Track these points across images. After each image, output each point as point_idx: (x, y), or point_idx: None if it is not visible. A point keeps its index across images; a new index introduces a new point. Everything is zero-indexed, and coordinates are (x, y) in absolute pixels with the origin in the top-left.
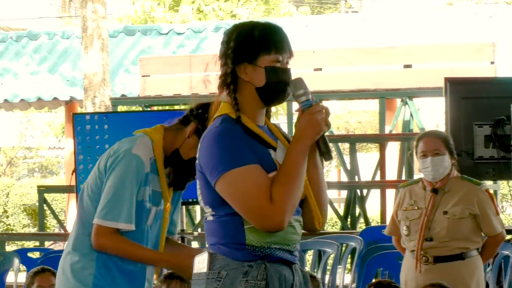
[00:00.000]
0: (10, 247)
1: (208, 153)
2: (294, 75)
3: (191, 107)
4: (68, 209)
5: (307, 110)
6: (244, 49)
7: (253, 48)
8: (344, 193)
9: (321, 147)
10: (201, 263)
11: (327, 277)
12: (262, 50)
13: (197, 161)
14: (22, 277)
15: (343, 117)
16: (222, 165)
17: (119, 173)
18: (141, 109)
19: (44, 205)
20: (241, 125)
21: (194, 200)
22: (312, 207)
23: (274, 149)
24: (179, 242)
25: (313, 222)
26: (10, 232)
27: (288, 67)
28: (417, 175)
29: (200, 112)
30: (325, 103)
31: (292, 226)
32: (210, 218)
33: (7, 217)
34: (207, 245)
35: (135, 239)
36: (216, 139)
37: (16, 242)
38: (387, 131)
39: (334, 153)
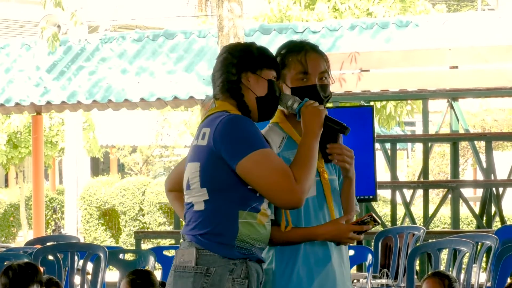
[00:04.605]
0: (146, 245)
1: (231, 135)
2: (429, 73)
3: None
4: None
5: (302, 108)
6: (250, 59)
7: (257, 60)
8: (479, 192)
9: (334, 126)
10: (186, 256)
11: (462, 276)
12: (266, 64)
13: (203, 143)
14: (157, 275)
15: (479, 115)
16: (247, 145)
17: None
18: None
19: None
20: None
21: None
22: (283, 211)
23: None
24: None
25: (281, 225)
26: (146, 230)
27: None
28: None
29: None
30: (461, 101)
31: (270, 226)
32: (201, 206)
33: (143, 215)
34: (186, 235)
35: (293, 212)
36: (240, 122)
37: (152, 240)
38: None
39: (468, 151)
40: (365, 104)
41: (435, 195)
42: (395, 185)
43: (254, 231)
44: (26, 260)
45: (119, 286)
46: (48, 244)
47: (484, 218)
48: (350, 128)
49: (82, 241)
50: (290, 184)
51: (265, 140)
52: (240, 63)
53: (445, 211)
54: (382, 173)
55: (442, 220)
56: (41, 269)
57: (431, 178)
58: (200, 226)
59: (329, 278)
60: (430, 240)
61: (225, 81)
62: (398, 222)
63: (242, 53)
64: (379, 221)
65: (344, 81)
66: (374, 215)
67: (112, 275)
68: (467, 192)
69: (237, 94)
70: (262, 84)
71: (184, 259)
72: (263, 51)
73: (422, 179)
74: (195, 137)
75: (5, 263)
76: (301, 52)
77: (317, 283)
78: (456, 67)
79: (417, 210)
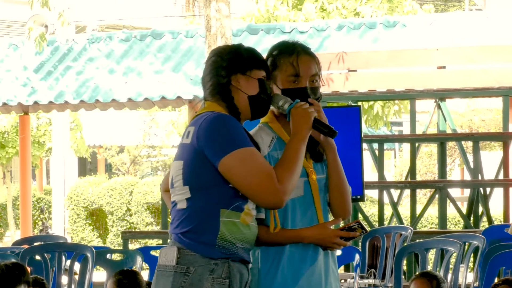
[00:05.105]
0: (133, 245)
1: (215, 133)
2: (417, 74)
3: None
4: None
5: (292, 109)
6: (239, 61)
7: (246, 61)
8: (467, 192)
9: (322, 130)
10: (168, 256)
11: (449, 276)
12: (255, 65)
13: (187, 141)
14: (145, 275)
15: (467, 115)
16: (231, 143)
17: None
18: None
19: None
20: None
21: None
22: (271, 212)
23: (259, 149)
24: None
25: (270, 226)
26: (133, 230)
27: None
28: None
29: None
30: (448, 101)
31: (255, 226)
32: (183, 204)
33: (131, 215)
34: (171, 234)
35: (280, 212)
36: (223, 121)
37: (139, 240)
38: (510, 129)
39: (456, 151)
40: (353, 104)
41: (422, 195)
42: (383, 185)
43: (237, 230)
44: (13, 260)
45: (106, 286)
46: (35, 244)
47: (472, 218)
48: (338, 132)
49: (69, 241)
50: (272, 184)
51: (251, 140)
52: (229, 65)
53: (433, 211)
54: (370, 173)
55: (430, 220)
56: (28, 269)
57: (418, 178)
58: (183, 224)
59: (315, 278)
60: (417, 240)
61: (215, 84)
62: (386, 222)
63: (231, 55)
64: (367, 229)
65: (331, 81)
66: (361, 222)
67: (100, 275)
68: (454, 192)
69: (227, 97)
70: (253, 84)
71: (167, 258)
72: (251, 52)
73: (409, 179)
74: (182, 136)
75: None
76: (293, 54)
77: (302, 282)
78: (444, 67)
79: (404, 210)
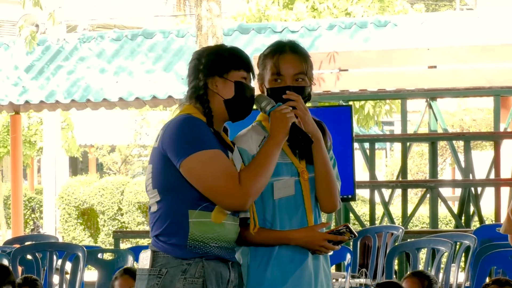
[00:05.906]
0: (124, 245)
1: (178, 135)
2: (408, 73)
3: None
4: None
5: (271, 112)
6: (215, 64)
7: (224, 63)
8: (458, 191)
9: (298, 135)
10: (144, 260)
11: (440, 276)
12: (233, 66)
13: (156, 145)
14: None
15: (458, 115)
16: (193, 145)
17: None
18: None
19: None
20: (211, 128)
21: None
22: (250, 212)
23: (232, 151)
24: None
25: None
26: (124, 229)
27: (252, 86)
28: None
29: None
30: (439, 101)
31: (232, 225)
32: (155, 207)
33: (122, 214)
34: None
35: (269, 211)
36: (187, 123)
37: (130, 239)
38: (502, 129)
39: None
40: (344, 104)
41: (413, 194)
42: (374, 184)
43: (209, 230)
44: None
45: (113, 286)
46: (26, 243)
47: (463, 218)
48: (313, 141)
49: (60, 240)
50: (232, 186)
51: (222, 143)
52: (206, 68)
53: (424, 211)
54: (361, 173)
55: (421, 219)
56: (20, 268)
57: (409, 177)
58: (155, 227)
59: (304, 279)
60: (408, 240)
61: (193, 87)
62: (377, 222)
63: (208, 57)
64: (356, 233)
65: (322, 80)
66: (350, 226)
67: (91, 274)
68: (445, 191)
69: (203, 100)
70: (229, 87)
71: (143, 262)
72: (231, 53)
73: (400, 179)
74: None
75: None
76: (276, 53)
77: (291, 282)
78: (435, 66)
79: (395, 209)
